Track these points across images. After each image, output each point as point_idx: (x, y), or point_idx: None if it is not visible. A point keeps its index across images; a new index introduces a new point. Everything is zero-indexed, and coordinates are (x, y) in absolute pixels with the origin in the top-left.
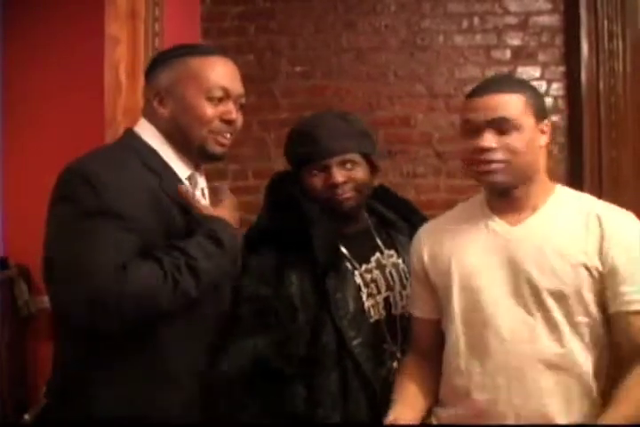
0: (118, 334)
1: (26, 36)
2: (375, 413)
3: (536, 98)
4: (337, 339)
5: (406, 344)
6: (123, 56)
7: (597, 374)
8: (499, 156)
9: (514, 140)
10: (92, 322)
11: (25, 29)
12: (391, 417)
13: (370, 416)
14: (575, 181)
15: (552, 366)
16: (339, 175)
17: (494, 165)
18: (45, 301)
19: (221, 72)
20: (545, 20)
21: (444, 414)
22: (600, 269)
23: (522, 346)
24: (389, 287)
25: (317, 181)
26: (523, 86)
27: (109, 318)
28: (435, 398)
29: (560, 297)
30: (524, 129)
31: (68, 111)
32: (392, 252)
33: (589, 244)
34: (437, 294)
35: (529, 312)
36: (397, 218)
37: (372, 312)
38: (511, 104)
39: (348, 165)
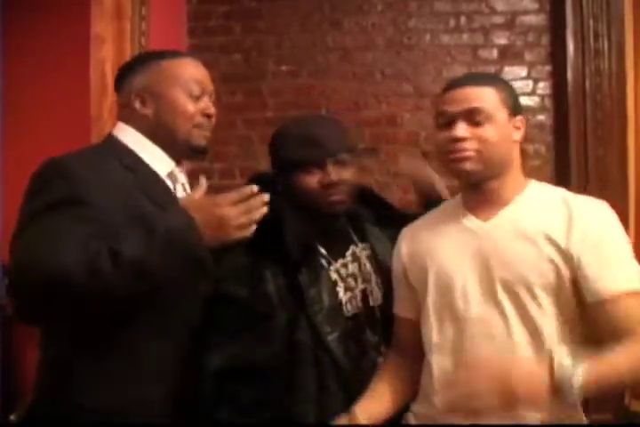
0: (42, 316)
1: (9, 34)
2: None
3: (509, 93)
4: (312, 335)
5: (387, 335)
6: (109, 55)
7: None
8: (471, 145)
9: (486, 130)
10: (15, 297)
11: (10, 28)
12: (354, 411)
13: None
14: (562, 179)
15: (526, 359)
16: (335, 174)
17: (466, 153)
18: None
19: (195, 70)
20: (531, 19)
21: (419, 408)
22: (573, 258)
23: (495, 341)
24: (365, 279)
25: (313, 179)
26: (495, 81)
27: (25, 292)
28: (411, 396)
29: (530, 289)
30: (497, 121)
31: (53, 110)
32: (365, 244)
33: (561, 234)
34: (415, 292)
35: (501, 307)
36: (361, 207)
37: (350, 306)
38: (484, 96)
39: (343, 164)
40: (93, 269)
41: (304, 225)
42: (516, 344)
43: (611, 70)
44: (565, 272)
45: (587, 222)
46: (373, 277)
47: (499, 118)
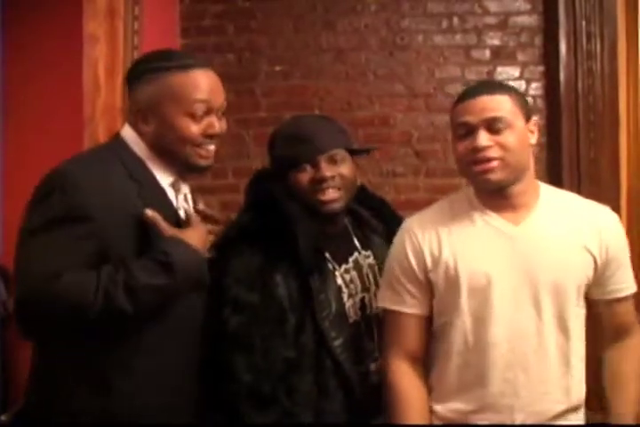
0: (52, 337)
1: (2, 34)
2: (352, 411)
3: (522, 99)
4: (317, 339)
5: (381, 344)
6: (101, 55)
7: (582, 359)
8: (493, 153)
9: (507, 137)
10: (22, 322)
11: (3, 28)
12: None
13: (347, 415)
14: (554, 180)
15: (559, 358)
16: (327, 170)
17: (491, 164)
18: None
19: (203, 87)
20: (524, 20)
21: (444, 409)
22: (599, 260)
23: (530, 341)
24: (365, 288)
25: (305, 177)
26: (509, 88)
27: (36, 320)
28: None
29: (570, 291)
30: (515, 127)
31: (46, 109)
32: (368, 252)
33: (590, 238)
34: (430, 291)
35: (538, 308)
36: (371, 217)
37: (351, 313)
38: (502, 104)
39: (336, 161)
40: (108, 300)
41: (314, 227)
42: (549, 341)
43: (603, 71)
44: (592, 276)
45: (612, 233)
46: (373, 287)
47: (517, 124)
